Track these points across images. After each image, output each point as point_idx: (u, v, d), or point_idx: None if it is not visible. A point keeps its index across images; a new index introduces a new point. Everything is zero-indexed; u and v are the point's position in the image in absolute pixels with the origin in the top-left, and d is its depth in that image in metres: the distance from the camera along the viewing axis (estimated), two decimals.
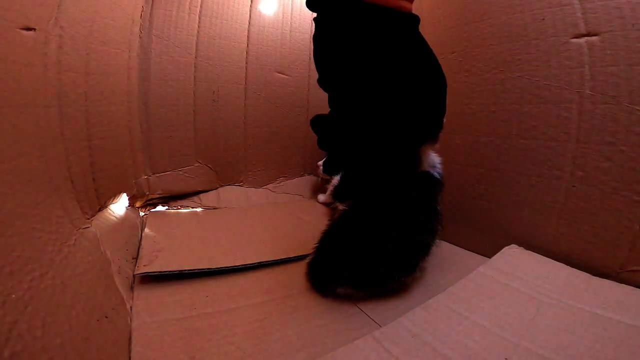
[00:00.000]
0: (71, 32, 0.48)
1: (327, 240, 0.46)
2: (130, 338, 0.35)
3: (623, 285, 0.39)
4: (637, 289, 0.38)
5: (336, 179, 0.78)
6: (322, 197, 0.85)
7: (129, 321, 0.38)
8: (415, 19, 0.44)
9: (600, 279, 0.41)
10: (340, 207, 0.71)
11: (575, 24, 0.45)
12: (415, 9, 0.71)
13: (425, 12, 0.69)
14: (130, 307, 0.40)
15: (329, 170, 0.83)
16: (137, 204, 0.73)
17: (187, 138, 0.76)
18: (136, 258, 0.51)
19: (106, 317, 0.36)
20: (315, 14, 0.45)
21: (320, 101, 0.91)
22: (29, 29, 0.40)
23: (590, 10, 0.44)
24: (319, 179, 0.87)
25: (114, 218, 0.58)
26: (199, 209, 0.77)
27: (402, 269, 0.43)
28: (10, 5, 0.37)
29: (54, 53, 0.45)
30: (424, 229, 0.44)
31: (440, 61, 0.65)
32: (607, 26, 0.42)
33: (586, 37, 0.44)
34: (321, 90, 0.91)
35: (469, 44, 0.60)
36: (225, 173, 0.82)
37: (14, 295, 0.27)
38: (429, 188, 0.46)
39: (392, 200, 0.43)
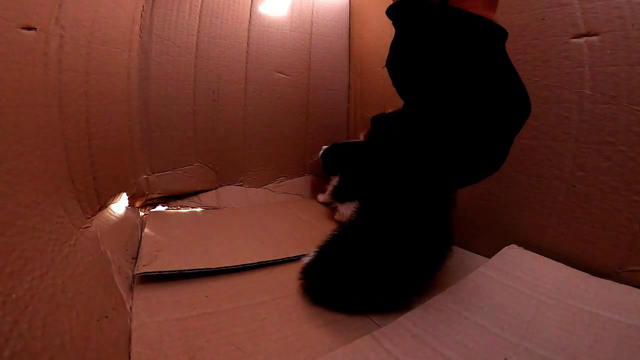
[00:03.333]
0: (72, 31, 0.48)
1: (325, 254, 0.45)
2: (130, 338, 0.35)
3: (623, 285, 0.39)
4: (637, 289, 0.38)
5: (335, 179, 0.78)
6: (321, 197, 0.85)
7: (129, 321, 0.38)
8: (504, 34, 0.37)
9: (600, 279, 0.41)
10: (341, 207, 0.71)
11: (575, 23, 0.45)
12: None
13: None
14: (130, 307, 0.40)
15: (329, 169, 0.83)
16: (137, 204, 0.73)
17: (187, 138, 0.76)
18: (136, 258, 0.51)
19: (106, 317, 0.36)
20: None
21: (320, 101, 0.92)
22: (29, 28, 0.40)
23: (590, 10, 0.44)
24: (316, 158, 0.87)
25: (114, 218, 0.58)
26: (198, 209, 0.77)
27: (398, 299, 0.41)
28: (11, 4, 0.37)
29: (55, 53, 0.45)
30: (433, 256, 0.42)
31: None
32: (607, 26, 0.42)
33: (586, 37, 0.44)
34: (321, 91, 0.92)
35: None
36: (225, 173, 0.82)
37: (14, 295, 0.27)
38: (443, 206, 0.43)
39: (403, 215, 0.41)
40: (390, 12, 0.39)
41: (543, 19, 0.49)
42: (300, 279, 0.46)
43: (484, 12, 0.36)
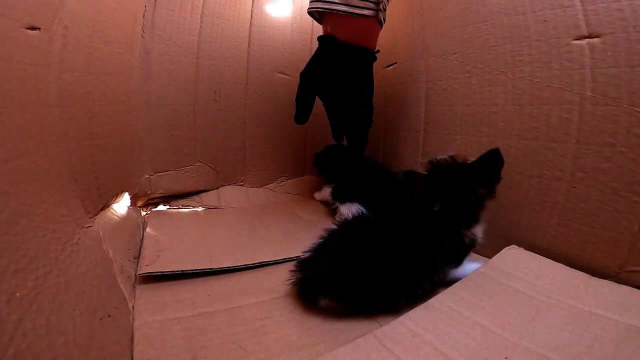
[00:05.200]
0: (75, 31, 0.48)
1: (323, 250, 0.46)
2: (132, 337, 0.36)
3: (622, 285, 0.39)
4: (637, 289, 0.38)
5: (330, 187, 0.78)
6: (318, 195, 0.85)
7: (131, 320, 0.38)
8: (372, 57, 0.65)
9: (600, 279, 0.41)
10: (341, 208, 0.71)
11: (576, 25, 0.45)
12: (416, 10, 0.71)
13: (427, 13, 0.69)
14: (132, 306, 0.40)
15: (328, 174, 0.83)
16: (139, 203, 0.73)
17: (189, 137, 0.76)
18: (138, 257, 0.51)
19: (109, 316, 0.36)
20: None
21: (320, 101, 0.92)
22: (33, 28, 0.40)
23: (592, 12, 0.44)
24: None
25: (116, 217, 0.58)
26: (200, 209, 0.77)
27: (398, 300, 0.42)
28: (16, 4, 0.37)
29: (58, 52, 0.46)
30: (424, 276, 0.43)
31: (442, 62, 0.66)
32: (608, 28, 0.43)
33: (587, 39, 0.45)
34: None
35: (470, 45, 0.60)
36: (226, 172, 0.82)
37: (18, 294, 0.28)
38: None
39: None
40: (318, 39, 0.66)
41: (545, 20, 0.49)
42: (293, 270, 0.45)
43: (360, 42, 0.61)
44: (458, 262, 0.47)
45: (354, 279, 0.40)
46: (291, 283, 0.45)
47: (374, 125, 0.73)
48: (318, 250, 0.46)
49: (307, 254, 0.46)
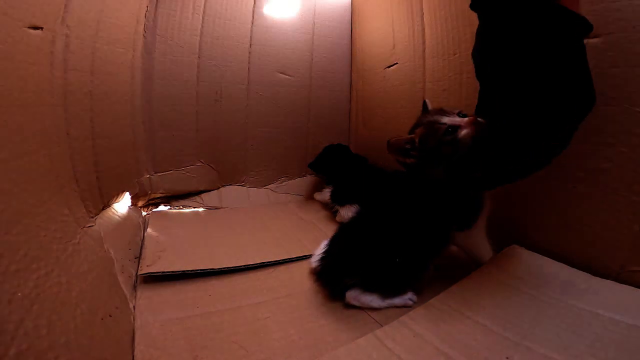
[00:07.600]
0: (77, 31, 0.49)
1: (339, 240, 0.47)
2: (133, 337, 0.36)
3: (623, 285, 0.39)
4: (637, 289, 0.38)
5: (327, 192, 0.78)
6: (318, 195, 0.85)
7: (132, 320, 0.38)
8: (587, 27, 0.40)
9: (601, 279, 0.41)
10: (341, 210, 0.71)
11: None
12: (416, 10, 0.72)
13: (427, 13, 0.69)
14: (134, 306, 0.40)
15: (319, 170, 0.84)
16: (140, 203, 0.73)
17: (190, 138, 0.76)
18: (139, 257, 0.51)
19: (110, 316, 0.36)
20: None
21: (321, 101, 0.92)
22: (36, 27, 0.40)
23: (592, 12, 0.44)
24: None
25: (117, 217, 0.58)
26: (200, 209, 0.77)
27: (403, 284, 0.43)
28: (18, 3, 0.37)
29: (60, 52, 0.46)
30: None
31: (443, 62, 0.66)
32: (608, 28, 0.43)
33: (587, 39, 0.45)
34: (323, 91, 0.93)
35: (470, 45, 0.60)
36: (227, 173, 0.82)
37: (20, 294, 0.28)
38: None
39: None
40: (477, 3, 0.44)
41: None
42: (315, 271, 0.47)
43: (570, 4, 0.39)
44: (468, 225, 0.47)
45: (376, 258, 0.41)
46: (315, 281, 0.46)
47: (374, 127, 0.72)
48: (333, 245, 0.47)
49: (323, 251, 0.47)
